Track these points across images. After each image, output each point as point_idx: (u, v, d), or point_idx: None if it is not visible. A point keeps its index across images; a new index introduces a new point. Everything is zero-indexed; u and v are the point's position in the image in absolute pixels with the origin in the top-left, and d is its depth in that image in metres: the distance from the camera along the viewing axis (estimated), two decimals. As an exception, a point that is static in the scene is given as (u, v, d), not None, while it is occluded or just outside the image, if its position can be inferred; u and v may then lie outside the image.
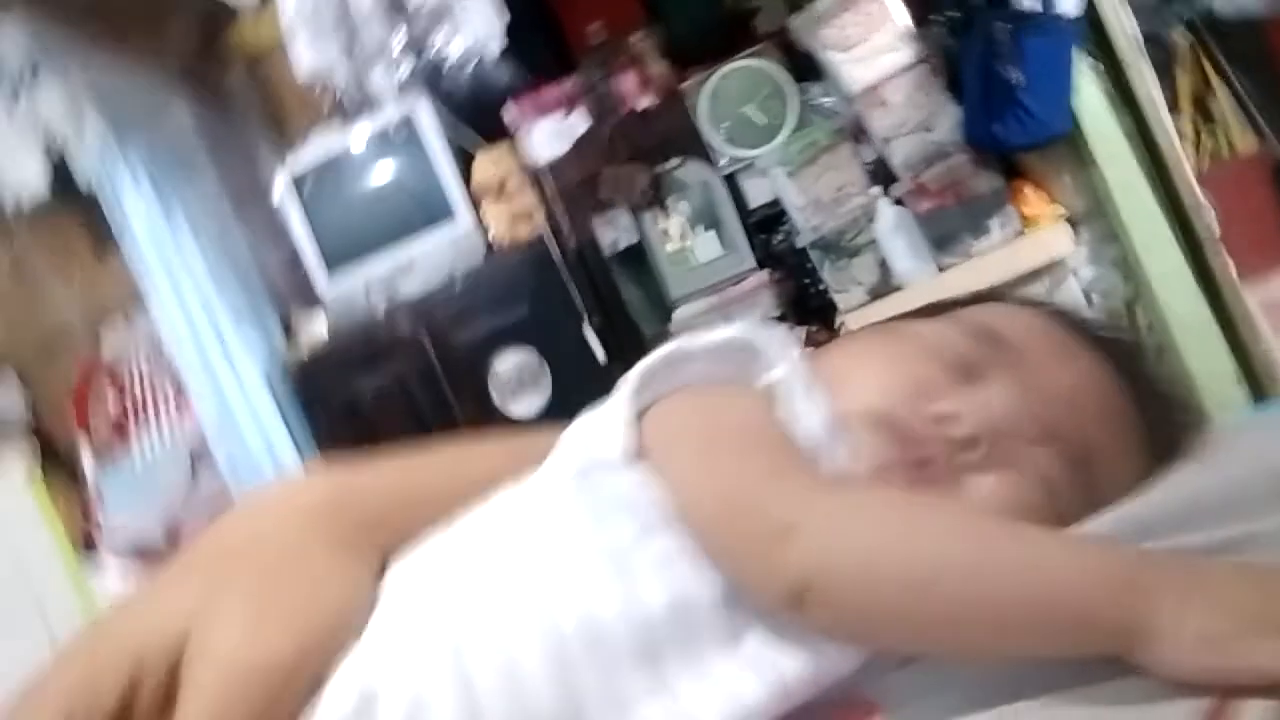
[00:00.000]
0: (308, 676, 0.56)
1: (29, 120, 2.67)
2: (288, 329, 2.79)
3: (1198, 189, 1.99)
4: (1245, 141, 3.01)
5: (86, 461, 2.94)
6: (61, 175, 2.75)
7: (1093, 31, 2.03)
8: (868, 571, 0.53)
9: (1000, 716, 0.50)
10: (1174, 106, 2.99)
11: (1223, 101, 3.04)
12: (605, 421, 0.67)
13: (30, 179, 2.78)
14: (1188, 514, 0.59)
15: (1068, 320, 0.74)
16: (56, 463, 2.94)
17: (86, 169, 2.59)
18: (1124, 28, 2.03)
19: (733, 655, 0.56)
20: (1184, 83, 3.08)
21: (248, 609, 0.56)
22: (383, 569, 0.63)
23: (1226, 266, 1.99)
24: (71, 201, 2.85)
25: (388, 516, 0.65)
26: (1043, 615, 0.49)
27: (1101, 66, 2.06)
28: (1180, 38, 3.08)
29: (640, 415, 0.67)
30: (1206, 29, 3.03)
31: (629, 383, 0.68)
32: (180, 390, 2.78)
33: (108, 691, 0.54)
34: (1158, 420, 0.70)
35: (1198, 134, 3.09)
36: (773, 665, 0.55)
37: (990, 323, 0.71)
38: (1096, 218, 2.15)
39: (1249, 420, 0.76)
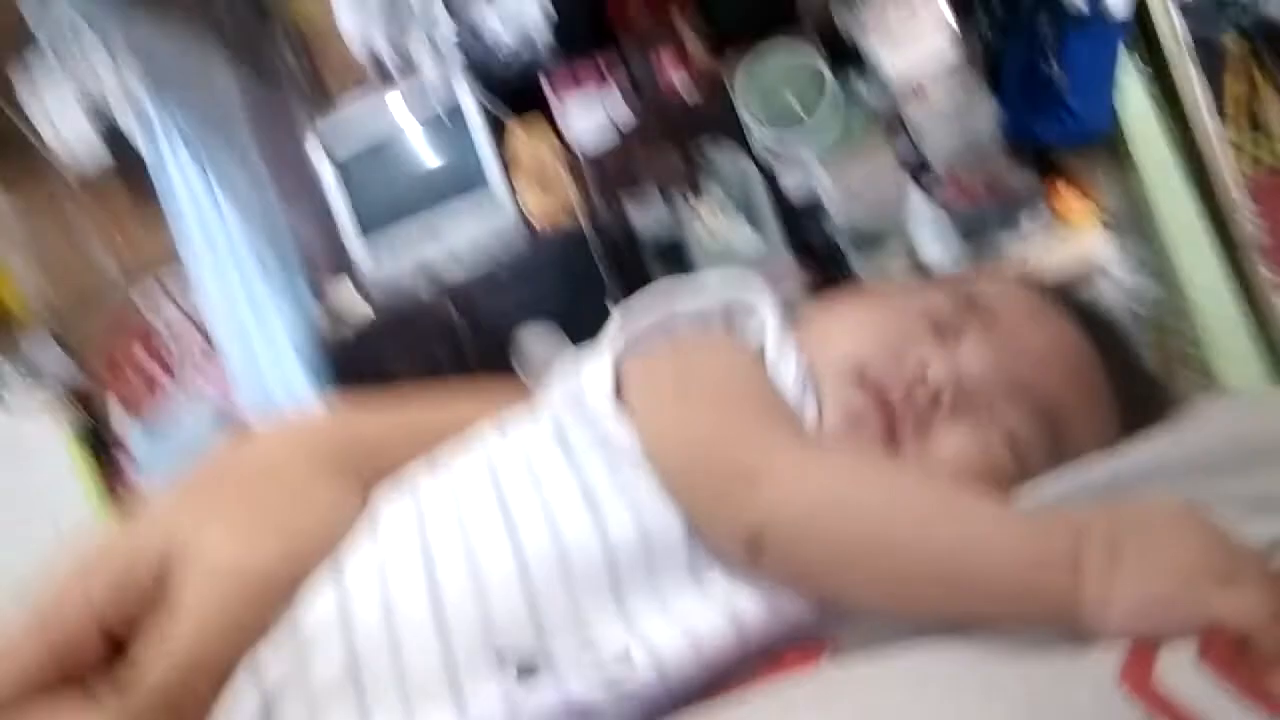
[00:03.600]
0: (291, 582, 0.58)
1: (78, 85, 2.71)
2: (320, 297, 2.82)
3: (1239, 196, 1.97)
4: (1293, 150, 2.96)
5: (120, 421, 2.99)
6: (108, 139, 2.80)
7: (1140, 32, 2.00)
8: (816, 528, 0.54)
9: (934, 649, 0.51)
10: (1221, 112, 2.95)
11: (1271, 109, 3.00)
12: (589, 366, 0.69)
13: (78, 143, 2.83)
14: (1149, 473, 0.59)
15: (1046, 289, 0.76)
16: (92, 421, 2.99)
17: (132, 133, 2.63)
18: (1173, 30, 2.00)
19: (694, 591, 0.57)
20: (1233, 88, 3.03)
21: (242, 519, 0.60)
22: (371, 497, 0.66)
23: (1264, 275, 1.96)
24: (116, 165, 2.90)
25: (379, 450, 0.68)
26: (974, 587, 0.51)
27: (1147, 68, 2.03)
28: (1231, 43, 3.03)
29: (625, 360, 0.69)
30: (1259, 35, 2.98)
31: (611, 330, 0.70)
32: (213, 354, 2.83)
33: (102, 584, 0.57)
34: (1129, 388, 0.72)
35: (1244, 141, 3.05)
36: (731, 604, 0.57)
37: (969, 287, 0.73)
38: (1133, 220, 2.13)
39: (1226, 398, 0.77)
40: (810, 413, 0.66)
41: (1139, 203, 2.10)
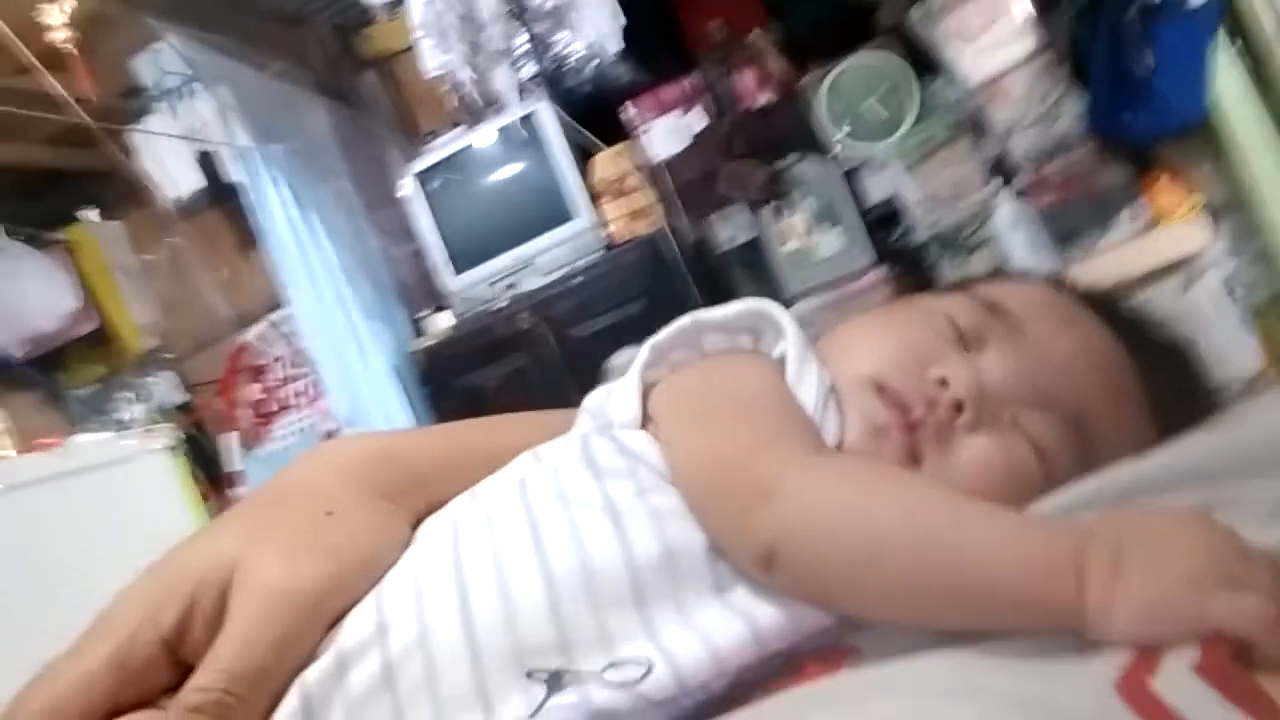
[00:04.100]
0: (335, 607, 0.60)
1: (185, 129, 2.86)
2: (415, 322, 2.90)
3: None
4: None
5: (231, 446, 3.12)
6: (212, 179, 2.94)
7: (1232, 14, 1.93)
8: (824, 541, 0.55)
9: (939, 656, 0.51)
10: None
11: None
12: (619, 390, 0.70)
13: (185, 182, 2.99)
14: (1176, 477, 0.57)
15: (1075, 292, 0.74)
16: (205, 449, 3.13)
17: (234, 173, 2.76)
18: (1269, 8, 1.92)
19: (717, 604, 0.58)
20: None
21: (288, 544, 0.61)
22: (417, 523, 0.67)
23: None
24: (221, 203, 3.05)
25: (426, 476, 0.70)
26: (981, 598, 0.51)
27: (1242, 50, 1.95)
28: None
29: (652, 379, 0.70)
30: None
31: (641, 354, 0.71)
32: (315, 380, 2.94)
33: (168, 610, 0.59)
34: (1165, 390, 0.69)
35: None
36: (753, 616, 0.57)
37: (994, 294, 0.71)
38: (1238, 209, 2.04)
39: (1272, 395, 0.73)
40: (832, 425, 0.65)
41: (1243, 191, 2.01)
